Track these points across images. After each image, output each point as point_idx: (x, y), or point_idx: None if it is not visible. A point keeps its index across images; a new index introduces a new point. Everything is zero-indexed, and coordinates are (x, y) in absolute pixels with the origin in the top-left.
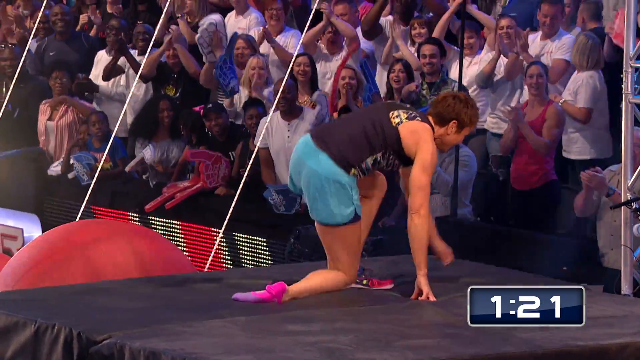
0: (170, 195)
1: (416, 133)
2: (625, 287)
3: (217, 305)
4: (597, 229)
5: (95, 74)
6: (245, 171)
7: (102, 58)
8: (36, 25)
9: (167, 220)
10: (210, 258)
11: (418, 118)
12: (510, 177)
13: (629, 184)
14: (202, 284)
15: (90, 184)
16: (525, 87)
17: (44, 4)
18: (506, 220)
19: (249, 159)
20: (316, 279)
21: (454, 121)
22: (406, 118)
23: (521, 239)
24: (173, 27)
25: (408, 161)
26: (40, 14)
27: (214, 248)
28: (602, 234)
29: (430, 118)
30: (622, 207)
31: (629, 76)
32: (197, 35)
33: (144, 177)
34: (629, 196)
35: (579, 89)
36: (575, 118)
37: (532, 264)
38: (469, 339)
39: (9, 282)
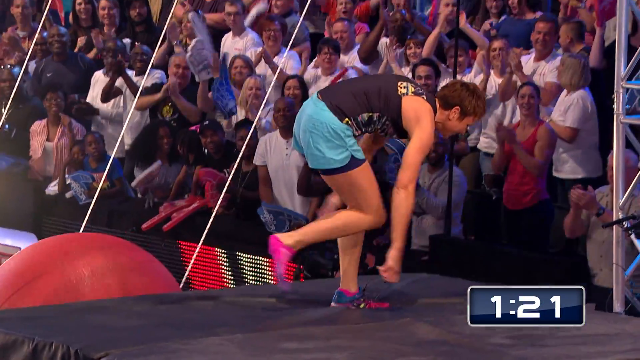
0: (166, 215)
1: (418, 111)
2: (617, 305)
3: (214, 323)
4: (587, 249)
5: (93, 96)
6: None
7: (99, 79)
8: (32, 47)
9: (164, 239)
10: (187, 273)
11: (424, 96)
12: (503, 196)
13: (620, 204)
14: (198, 302)
15: (89, 202)
16: (517, 107)
17: (40, 26)
18: (499, 240)
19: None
20: (324, 220)
21: (457, 107)
22: (413, 92)
23: (514, 258)
24: (170, 80)
25: (402, 132)
26: (37, 36)
27: (190, 263)
28: (592, 254)
29: (436, 100)
30: (614, 226)
31: (620, 97)
32: (188, 54)
33: (139, 195)
34: (620, 215)
35: (569, 109)
36: (561, 137)
37: (525, 282)
38: (463, 356)
39: None
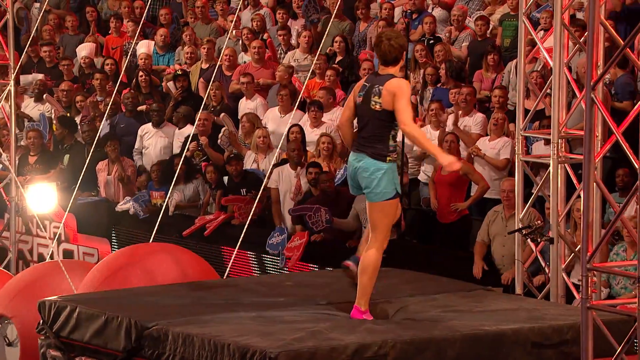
0: (200, 225)
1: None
2: (518, 289)
3: (235, 304)
4: (492, 252)
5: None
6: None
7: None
8: (109, 106)
9: (199, 243)
10: (228, 270)
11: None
12: (437, 213)
13: (520, 217)
14: (224, 288)
15: (146, 217)
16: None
17: (114, 92)
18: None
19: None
20: (365, 277)
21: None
22: (378, 98)
23: (445, 256)
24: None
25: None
26: (112, 99)
27: (231, 262)
28: (496, 256)
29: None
30: (516, 233)
31: (519, 142)
32: (220, 139)
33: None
34: (520, 225)
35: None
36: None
37: (455, 272)
38: (409, 325)
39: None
